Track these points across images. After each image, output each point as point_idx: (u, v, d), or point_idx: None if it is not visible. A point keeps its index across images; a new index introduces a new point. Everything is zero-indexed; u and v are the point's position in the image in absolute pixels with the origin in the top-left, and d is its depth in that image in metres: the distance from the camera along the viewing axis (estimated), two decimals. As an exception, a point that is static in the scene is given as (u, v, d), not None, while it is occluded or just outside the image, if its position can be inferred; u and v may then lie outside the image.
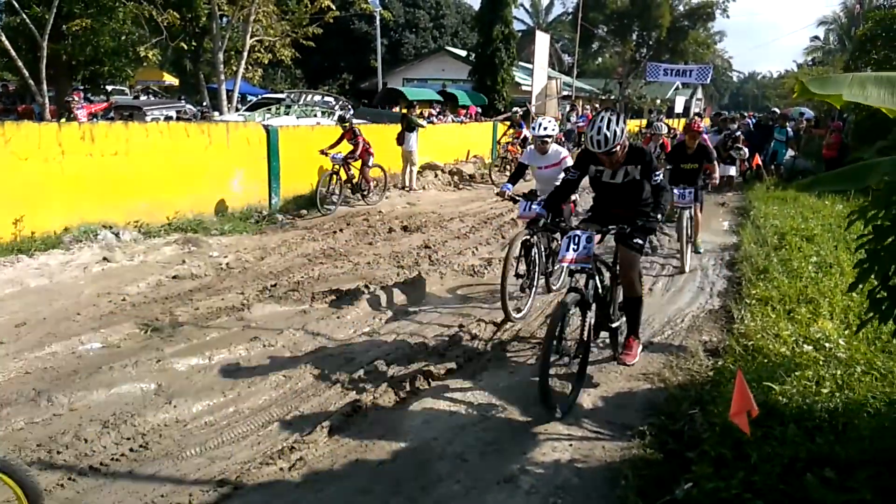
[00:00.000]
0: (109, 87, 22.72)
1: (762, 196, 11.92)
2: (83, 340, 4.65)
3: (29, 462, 3.17)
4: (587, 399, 4.18)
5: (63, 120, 11.55)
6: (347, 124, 10.93)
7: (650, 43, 43.12)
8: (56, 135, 7.50)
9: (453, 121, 19.92)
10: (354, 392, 4.11)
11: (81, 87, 17.39)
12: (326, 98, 18.86)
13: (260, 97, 20.84)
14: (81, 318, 5.16)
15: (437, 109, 21.18)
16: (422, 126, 13.06)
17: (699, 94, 52.62)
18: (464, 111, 22.13)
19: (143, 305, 5.53)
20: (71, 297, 5.64)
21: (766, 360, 4.36)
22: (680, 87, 44.49)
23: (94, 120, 12.09)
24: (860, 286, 2.79)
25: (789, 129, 15.93)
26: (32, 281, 5.96)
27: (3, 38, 11.99)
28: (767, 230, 8.70)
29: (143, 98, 24.47)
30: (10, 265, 6.23)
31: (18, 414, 3.61)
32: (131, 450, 3.32)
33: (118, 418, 3.56)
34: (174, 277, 6.35)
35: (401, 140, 12.48)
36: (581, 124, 22.70)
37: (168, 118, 16.47)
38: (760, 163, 14.88)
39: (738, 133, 14.38)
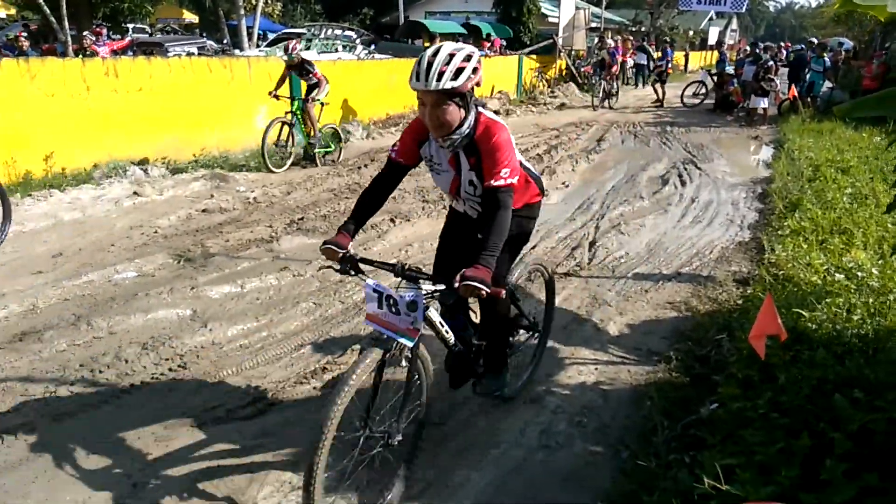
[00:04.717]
0: (130, 26, 22.52)
1: (797, 128, 11.57)
2: (118, 270, 4.77)
3: (72, 380, 3.31)
4: (613, 326, 4.21)
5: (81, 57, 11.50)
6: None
7: (683, -29, 41.11)
8: (80, 71, 7.50)
9: (477, 55, 19.45)
10: (383, 319, 4.18)
11: (104, 24, 17.23)
12: (347, 32, 18.49)
13: (281, 33, 20.50)
14: (116, 249, 5.28)
15: (461, 42, 20.65)
16: (446, 59, 12.76)
17: (734, 24, 50.60)
18: (488, 44, 21.55)
19: (175, 237, 5.63)
20: (104, 230, 5.76)
21: (796, 289, 4.32)
22: (714, 17, 42.75)
23: (116, 56, 12.01)
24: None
25: (827, 60, 15.28)
26: (66, 214, 6.08)
27: (23, -26, 11.90)
28: (802, 162, 8.48)
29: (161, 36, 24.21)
30: (43, 199, 6.36)
31: (60, 337, 3.75)
32: (170, 369, 3.45)
33: (156, 341, 3.68)
34: (203, 211, 6.43)
35: (425, 74, 12.24)
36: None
37: (190, 54, 16.31)
38: (797, 94, 14.37)
39: (770, 63, 13.86)
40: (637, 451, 2.84)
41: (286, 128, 8.58)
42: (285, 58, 8.68)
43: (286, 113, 8.59)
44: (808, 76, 15.05)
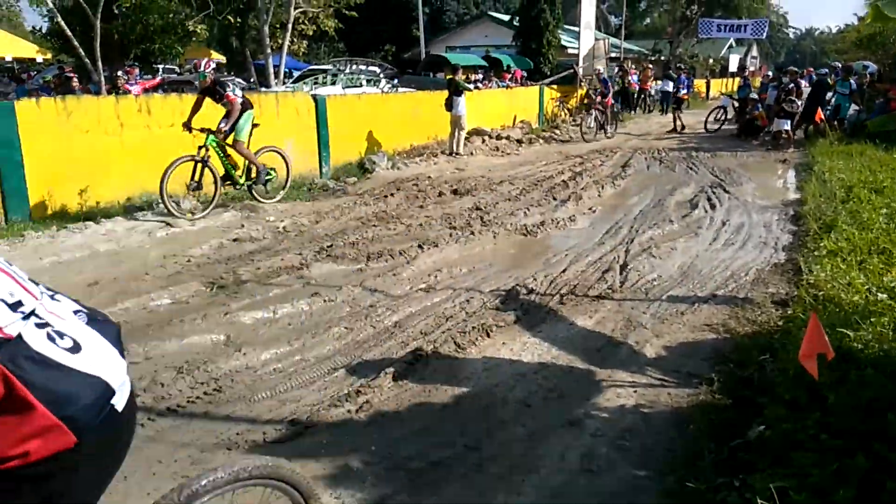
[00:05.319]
0: (160, 66, 23.19)
1: (826, 151, 11.42)
2: (153, 297, 4.82)
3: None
4: (650, 349, 4.13)
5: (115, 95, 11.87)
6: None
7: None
8: (114, 108, 7.71)
9: (498, 85, 19.63)
10: (415, 342, 4.16)
11: (137, 64, 17.80)
12: (371, 67, 18.85)
13: (306, 69, 20.97)
14: (150, 277, 5.35)
15: (482, 75, 20.85)
16: (469, 89, 12.93)
17: (754, 51, 50.62)
18: (508, 75, 21.77)
19: (207, 266, 5.69)
20: (138, 260, 5.84)
21: (838, 309, 4.20)
22: (734, 44, 42.85)
23: (149, 94, 12.38)
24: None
25: (852, 83, 15.14)
26: (101, 245, 6.19)
27: (60, 20, 12.40)
28: (833, 184, 8.34)
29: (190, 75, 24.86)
30: (79, 231, 6.48)
31: (98, 364, 3.78)
32: (206, 393, 3.45)
33: (191, 365, 3.69)
34: (235, 240, 6.51)
35: (449, 105, 12.40)
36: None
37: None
38: (823, 118, 14.24)
39: (792, 85, 13.81)
40: (683, 475, 2.75)
41: (199, 166, 7.22)
42: (195, 78, 7.26)
43: (199, 148, 7.25)
44: (833, 99, 14.93)
